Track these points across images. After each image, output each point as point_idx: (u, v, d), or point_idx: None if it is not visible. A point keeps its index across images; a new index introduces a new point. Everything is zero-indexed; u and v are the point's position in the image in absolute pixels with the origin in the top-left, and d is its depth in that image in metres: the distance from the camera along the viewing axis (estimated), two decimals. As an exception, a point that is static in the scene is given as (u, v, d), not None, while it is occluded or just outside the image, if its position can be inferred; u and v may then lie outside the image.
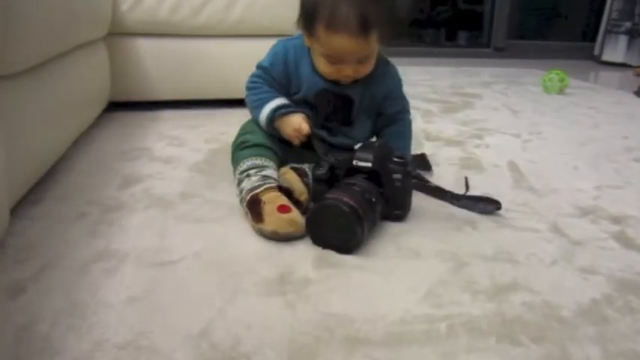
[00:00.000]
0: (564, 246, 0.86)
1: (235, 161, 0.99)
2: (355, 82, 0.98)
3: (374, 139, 1.07)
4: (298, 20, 0.96)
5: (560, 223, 0.94)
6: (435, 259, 0.80)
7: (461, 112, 1.84)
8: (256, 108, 1.01)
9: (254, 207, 0.87)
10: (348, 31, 0.87)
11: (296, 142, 0.97)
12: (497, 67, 3.14)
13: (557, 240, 0.88)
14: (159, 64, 1.69)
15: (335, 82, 0.98)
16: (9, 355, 0.57)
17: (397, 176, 0.89)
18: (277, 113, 0.98)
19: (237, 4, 1.66)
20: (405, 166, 0.90)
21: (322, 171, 0.91)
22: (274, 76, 1.01)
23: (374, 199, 0.84)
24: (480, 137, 1.51)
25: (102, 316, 0.63)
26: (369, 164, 0.87)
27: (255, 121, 1.05)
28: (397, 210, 0.91)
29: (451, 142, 1.44)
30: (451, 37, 4.56)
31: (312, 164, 0.96)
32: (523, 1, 4.08)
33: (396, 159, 0.90)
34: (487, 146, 1.42)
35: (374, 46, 0.92)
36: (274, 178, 0.93)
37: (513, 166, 1.25)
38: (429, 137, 1.49)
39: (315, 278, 0.73)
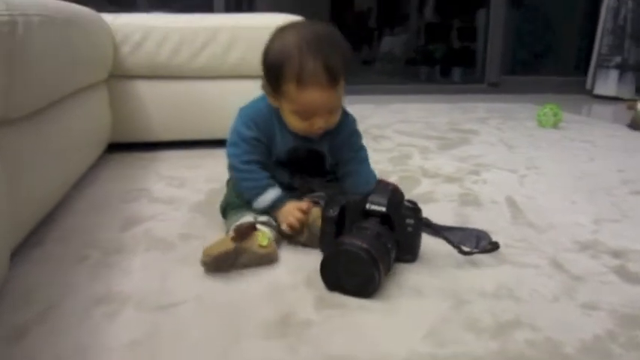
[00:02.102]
0: (565, 281, 0.86)
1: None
2: (323, 135, 1.00)
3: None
4: (263, 84, 0.98)
5: (560, 258, 0.94)
6: (436, 297, 0.80)
7: (458, 148, 1.86)
8: (253, 197, 1.00)
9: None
10: (319, 84, 0.89)
11: (295, 228, 0.96)
12: (492, 102, 3.18)
13: (557, 275, 0.88)
14: (158, 105, 1.72)
15: (305, 138, 1.00)
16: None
17: (409, 221, 0.89)
18: (275, 206, 0.98)
19: (235, 47, 1.69)
20: (417, 211, 0.90)
21: (333, 213, 0.90)
22: (261, 139, 1.00)
23: (389, 245, 0.83)
24: (477, 173, 1.52)
25: (103, 362, 0.63)
26: (383, 208, 0.87)
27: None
28: (407, 254, 0.91)
29: (449, 179, 1.46)
30: (446, 74, 4.64)
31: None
32: (516, 37, 4.18)
33: (408, 204, 0.90)
34: (485, 182, 1.43)
35: (341, 93, 0.95)
36: (247, 221, 0.95)
37: (511, 202, 1.26)
38: (426, 174, 1.50)
39: (316, 319, 0.73)
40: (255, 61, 1.68)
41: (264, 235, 0.92)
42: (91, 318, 0.72)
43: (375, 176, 1.06)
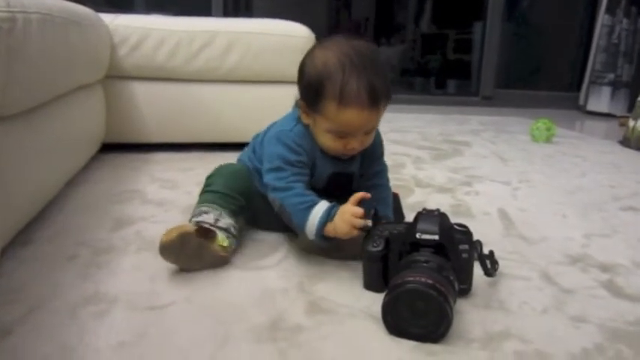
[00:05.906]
0: (555, 294, 0.86)
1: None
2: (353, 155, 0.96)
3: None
4: (297, 101, 0.94)
5: (550, 271, 0.95)
6: (426, 307, 0.80)
7: (451, 160, 1.87)
8: (304, 211, 0.88)
9: None
10: (360, 105, 0.85)
11: (354, 233, 0.86)
12: (486, 115, 3.20)
13: (548, 288, 0.88)
14: (153, 107, 1.72)
15: (341, 161, 0.97)
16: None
17: (464, 247, 0.80)
18: (332, 214, 0.87)
19: (232, 52, 1.70)
20: (469, 235, 0.82)
21: (378, 247, 0.82)
22: (307, 163, 0.94)
23: (451, 277, 0.74)
24: (469, 185, 1.53)
25: (90, 362, 0.62)
26: (436, 237, 0.77)
27: (231, 167, 1.06)
28: (462, 284, 0.80)
29: (441, 189, 1.46)
30: (441, 86, 4.68)
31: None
32: (510, 51, 4.22)
33: (457, 227, 0.82)
34: (477, 194, 1.44)
35: (381, 115, 0.91)
36: (207, 222, 0.92)
37: (503, 214, 1.26)
38: (419, 184, 1.50)
39: (307, 325, 0.73)
40: (250, 67, 1.72)
41: (224, 237, 0.91)
42: (79, 318, 0.72)
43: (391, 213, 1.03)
